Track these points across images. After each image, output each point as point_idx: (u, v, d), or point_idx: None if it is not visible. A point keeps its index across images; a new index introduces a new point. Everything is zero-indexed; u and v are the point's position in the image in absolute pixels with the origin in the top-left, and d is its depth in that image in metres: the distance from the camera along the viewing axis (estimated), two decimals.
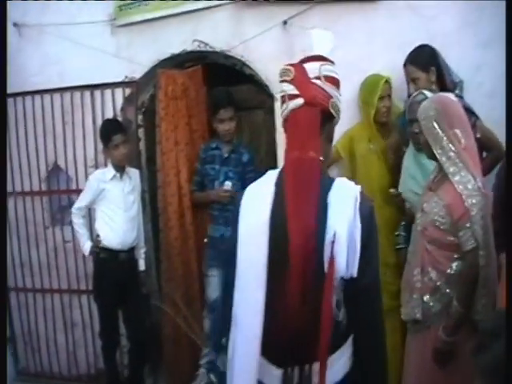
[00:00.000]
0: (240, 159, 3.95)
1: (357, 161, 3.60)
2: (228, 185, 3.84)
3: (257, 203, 1.85)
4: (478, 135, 3.06)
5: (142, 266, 4.02)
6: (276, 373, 1.85)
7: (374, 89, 3.48)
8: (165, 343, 4.13)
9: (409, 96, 3.25)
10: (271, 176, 1.91)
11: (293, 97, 1.85)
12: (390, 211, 3.47)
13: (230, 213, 3.88)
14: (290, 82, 1.86)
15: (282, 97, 1.90)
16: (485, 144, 3.15)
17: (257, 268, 1.78)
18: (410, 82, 3.34)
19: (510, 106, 2.51)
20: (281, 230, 1.76)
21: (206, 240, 4.02)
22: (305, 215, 1.75)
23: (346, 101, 3.58)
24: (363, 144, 3.57)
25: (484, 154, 3.18)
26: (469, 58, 3.33)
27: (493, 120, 3.16)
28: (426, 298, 2.60)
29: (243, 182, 3.94)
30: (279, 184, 1.85)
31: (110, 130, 3.80)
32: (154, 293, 4.30)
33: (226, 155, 3.94)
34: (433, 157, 2.64)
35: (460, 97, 3.26)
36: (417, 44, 3.37)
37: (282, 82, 1.89)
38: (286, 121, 1.90)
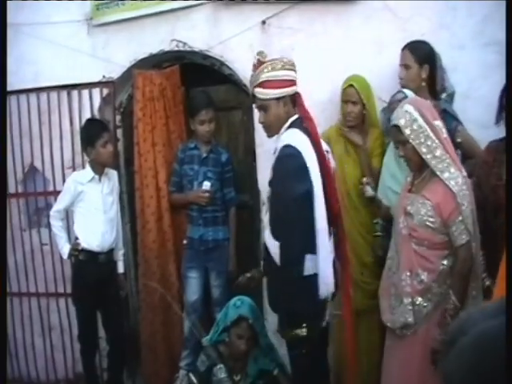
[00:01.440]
0: (219, 159, 3.94)
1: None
2: (207, 185, 3.82)
3: (309, 147, 2.66)
4: (459, 140, 3.08)
5: (120, 268, 3.97)
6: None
7: (341, 93, 3.50)
8: (142, 347, 4.10)
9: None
10: (295, 128, 2.73)
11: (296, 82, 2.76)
12: (366, 212, 3.50)
13: (210, 213, 3.88)
14: (295, 71, 2.75)
15: (292, 80, 2.75)
16: (466, 151, 3.17)
17: (320, 195, 2.64)
18: (401, 66, 3.28)
19: (509, 105, 2.53)
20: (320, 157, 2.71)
21: (184, 241, 4.00)
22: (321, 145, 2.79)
23: (322, 102, 3.62)
24: (339, 145, 3.55)
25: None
26: (444, 59, 3.33)
27: (468, 121, 3.19)
28: (418, 300, 2.60)
29: (221, 182, 3.94)
30: (303, 129, 2.71)
31: (98, 128, 3.75)
32: (132, 295, 4.27)
33: (204, 155, 3.92)
34: (416, 165, 2.65)
35: (447, 102, 3.27)
36: (393, 45, 3.39)
37: (292, 70, 2.74)
38: (293, 96, 2.76)
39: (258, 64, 2.74)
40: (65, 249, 3.77)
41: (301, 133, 2.70)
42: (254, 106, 2.98)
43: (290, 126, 2.73)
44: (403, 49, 3.29)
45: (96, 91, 4.11)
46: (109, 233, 3.80)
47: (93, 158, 3.74)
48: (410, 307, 2.60)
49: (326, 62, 3.63)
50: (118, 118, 4.24)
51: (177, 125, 4.13)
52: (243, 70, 3.79)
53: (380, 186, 3.29)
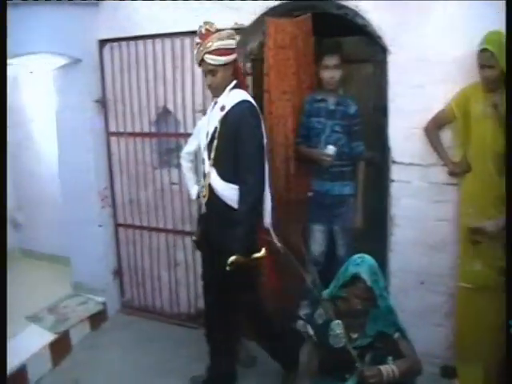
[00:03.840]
0: (346, 111, 3.87)
1: (471, 123, 3.35)
2: (331, 149, 3.78)
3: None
4: None
5: None
6: None
7: (477, 55, 3.24)
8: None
9: None
10: (238, 89, 3.28)
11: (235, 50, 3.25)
12: (503, 182, 3.28)
13: (337, 168, 3.86)
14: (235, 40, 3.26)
15: (234, 48, 3.20)
16: None
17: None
18: None
19: (510, 105, 2.39)
20: None
21: (310, 194, 4.01)
22: None
23: (458, 58, 3.39)
24: (479, 105, 3.30)
25: None
26: None
27: None
28: None
29: (349, 136, 3.87)
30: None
31: None
32: None
33: (332, 107, 3.87)
34: None
35: None
36: None
37: (234, 39, 3.19)
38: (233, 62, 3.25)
39: (207, 33, 3.09)
40: (193, 190, 3.88)
41: (245, 92, 3.24)
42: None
43: (234, 87, 3.21)
44: None
45: None
46: None
47: None
48: None
49: (465, 15, 3.40)
50: (249, 65, 4.26)
51: (306, 75, 4.09)
52: (378, 20, 3.65)
53: None
